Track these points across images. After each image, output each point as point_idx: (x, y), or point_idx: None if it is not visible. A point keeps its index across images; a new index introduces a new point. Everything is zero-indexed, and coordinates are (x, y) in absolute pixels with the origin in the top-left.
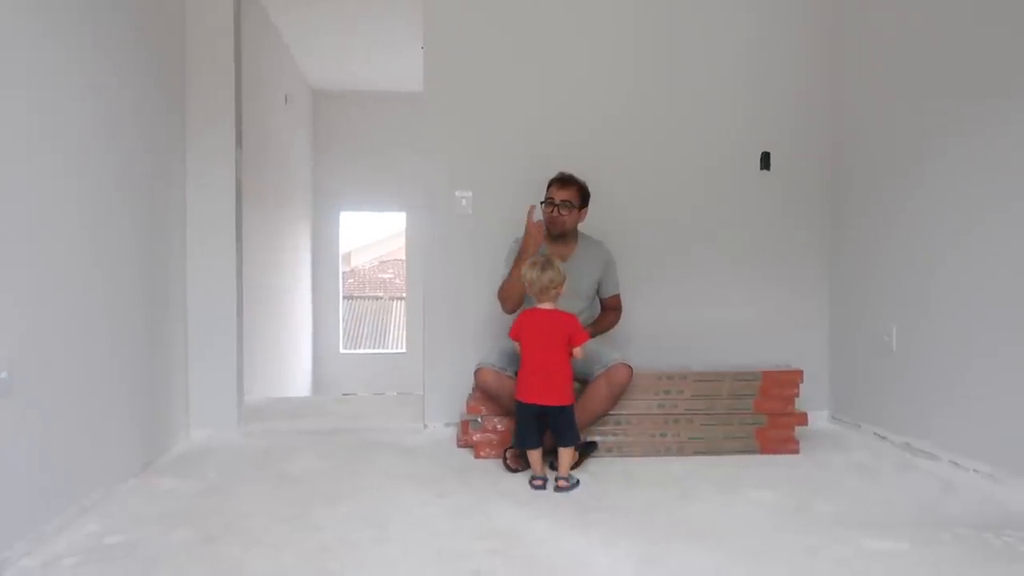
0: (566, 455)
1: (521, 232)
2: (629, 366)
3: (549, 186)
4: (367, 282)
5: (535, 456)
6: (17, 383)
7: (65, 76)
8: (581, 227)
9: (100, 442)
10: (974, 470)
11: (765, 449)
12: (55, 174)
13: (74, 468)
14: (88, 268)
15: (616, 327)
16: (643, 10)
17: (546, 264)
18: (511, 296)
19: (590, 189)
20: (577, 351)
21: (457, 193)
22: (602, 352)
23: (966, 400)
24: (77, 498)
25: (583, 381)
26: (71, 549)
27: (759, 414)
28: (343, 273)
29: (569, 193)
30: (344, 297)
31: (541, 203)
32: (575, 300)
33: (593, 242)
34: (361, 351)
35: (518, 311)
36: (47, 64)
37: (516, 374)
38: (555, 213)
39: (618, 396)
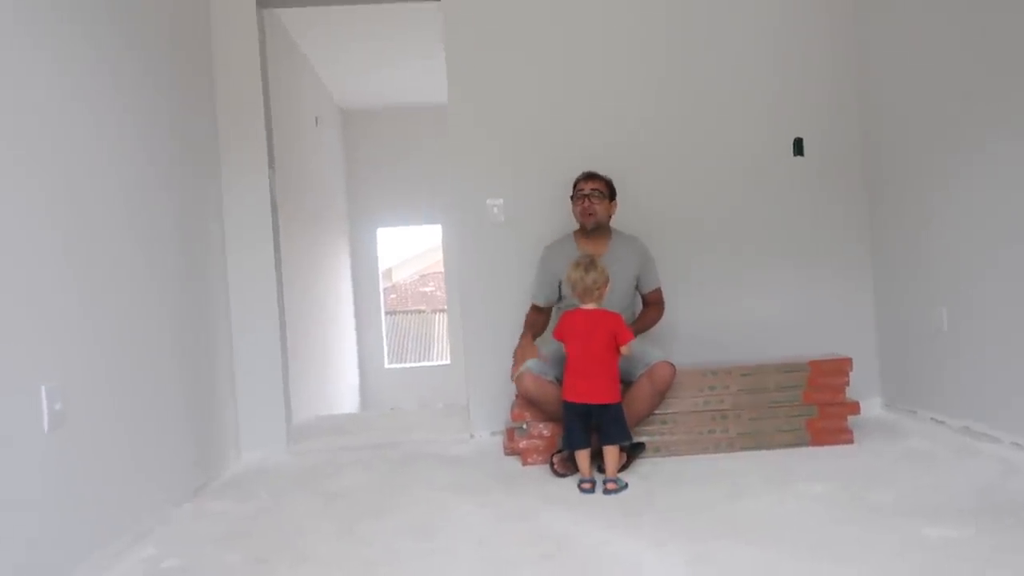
0: (612, 454)
1: (551, 238)
2: (672, 364)
3: (576, 184)
4: (409, 296)
5: (583, 457)
6: (71, 413)
7: (94, 112)
8: (614, 224)
9: (154, 468)
10: None
11: (817, 441)
12: (95, 204)
13: (130, 494)
14: (133, 297)
15: (659, 323)
16: (671, 7)
17: (589, 265)
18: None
19: (621, 188)
20: (624, 349)
21: (488, 201)
22: (644, 351)
23: None
24: (134, 523)
25: (626, 382)
26: (130, 574)
27: (809, 405)
28: (384, 289)
29: (597, 183)
30: (387, 312)
31: (571, 197)
32: (612, 298)
33: (627, 238)
34: (406, 365)
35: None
36: (85, 98)
37: (557, 378)
38: (586, 203)
39: (663, 395)
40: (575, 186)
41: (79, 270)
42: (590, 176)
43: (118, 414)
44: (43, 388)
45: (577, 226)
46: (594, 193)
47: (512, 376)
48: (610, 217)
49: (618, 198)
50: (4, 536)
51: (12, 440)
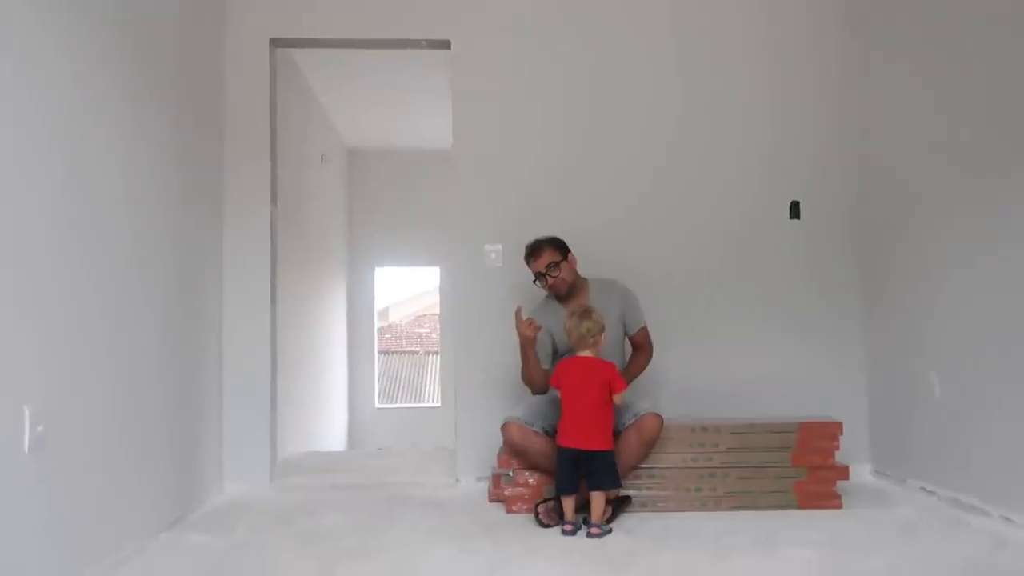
0: (599, 500)
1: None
2: (659, 416)
3: (527, 264)
4: (404, 337)
5: (568, 502)
6: (53, 436)
7: (103, 136)
8: (593, 270)
9: (132, 497)
10: None
11: (805, 504)
12: (90, 229)
13: (107, 522)
14: (122, 320)
15: (648, 367)
16: (669, 65)
17: (584, 314)
18: (531, 381)
19: (617, 242)
20: (616, 398)
21: (487, 246)
22: (632, 402)
23: (1018, 452)
24: (109, 552)
25: (613, 433)
26: None
27: (798, 467)
28: (379, 328)
29: (547, 256)
30: (381, 352)
31: (533, 282)
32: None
33: (605, 283)
34: (396, 405)
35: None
36: (92, 121)
37: (544, 428)
38: (549, 282)
39: (649, 447)
40: (528, 264)
41: (70, 293)
42: (536, 252)
43: (101, 439)
44: (26, 409)
45: None
46: (550, 268)
47: (516, 318)
48: (575, 271)
49: (572, 251)
50: None
51: None
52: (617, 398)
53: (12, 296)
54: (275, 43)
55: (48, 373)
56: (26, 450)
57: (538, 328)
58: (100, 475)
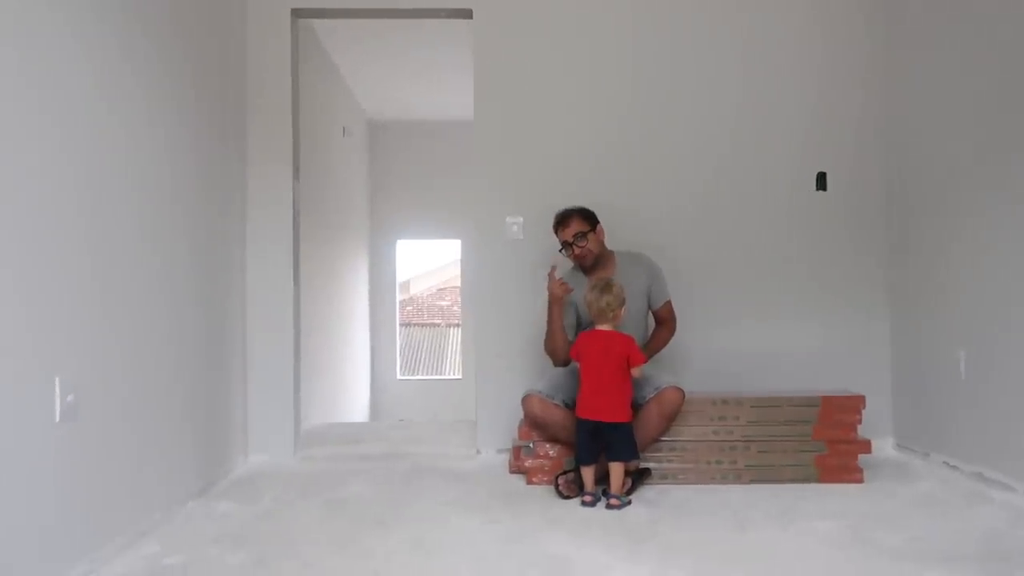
0: (618, 471)
1: (568, 261)
2: (681, 389)
3: (555, 233)
4: (425, 309)
5: (588, 472)
6: (82, 406)
7: (126, 113)
8: (616, 246)
9: (161, 465)
10: None
11: (826, 478)
12: (117, 203)
13: (136, 490)
14: (149, 295)
15: (671, 341)
16: (695, 35)
17: (605, 288)
18: (554, 351)
19: (641, 212)
20: (635, 371)
21: (508, 219)
22: (654, 375)
23: None
24: (139, 519)
25: (634, 405)
26: (130, 570)
27: (819, 441)
28: (401, 301)
29: (575, 226)
30: (402, 324)
31: (559, 251)
32: (627, 317)
33: (632, 255)
34: (418, 377)
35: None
36: (116, 96)
37: (564, 401)
38: (575, 251)
39: (670, 420)
40: (556, 234)
41: (99, 267)
42: (564, 221)
43: (129, 410)
44: (57, 379)
45: None
46: (577, 237)
47: (549, 278)
48: (602, 243)
49: (600, 220)
50: (10, 523)
51: (24, 429)
52: (635, 371)
53: (42, 270)
54: (296, 13)
55: (78, 345)
56: (57, 419)
57: (569, 290)
58: (128, 444)
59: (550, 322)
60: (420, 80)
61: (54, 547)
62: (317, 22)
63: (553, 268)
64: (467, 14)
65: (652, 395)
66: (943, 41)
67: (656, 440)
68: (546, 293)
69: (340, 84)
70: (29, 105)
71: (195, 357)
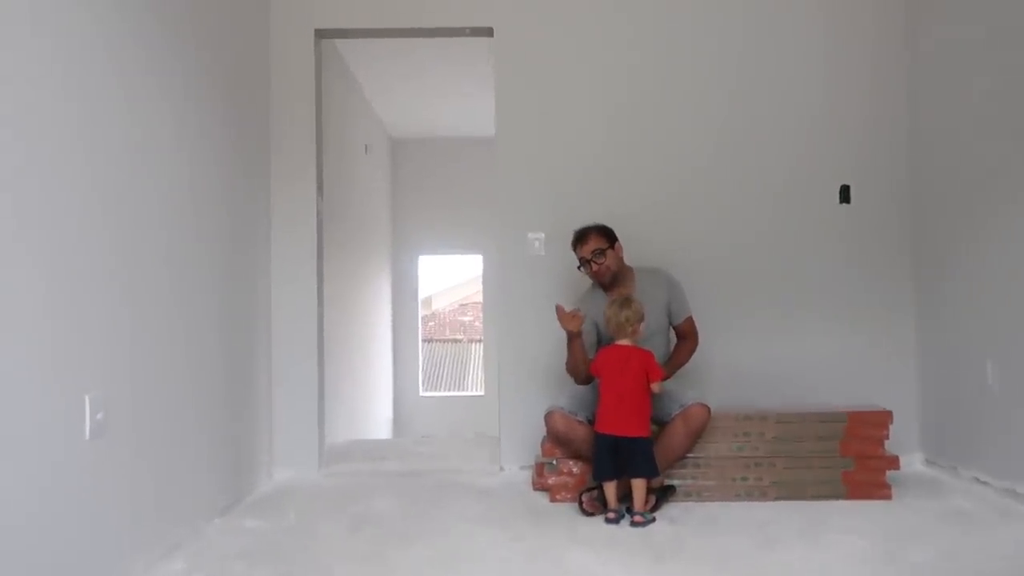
0: (640, 488)
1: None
2: (707, 406)
3: (574, 250)
4: (447, 325)
5: (610, 488)
6: (111, 423)
7: (154, 132)
8: (638, 261)
9: (188, 482)
10: None
11: (853, 494)
12: (144, 223)
13: (163, 507)
14: (175, 313)
15: (693, 356)
16: (716, 49)
17: (624, 303)
18: (575, 374)
19: (664, 226)
20: (655, 387)
21: (530, 235)
22: (679, 392)
23: None
24: (165, 536)
25: (660, 422)
26: None
27: (846, 457)
28: (423, 317)
29: (593, 242)
30: (424, 340)
31: (578, 268)
32: (648, 333)
33: (650, 271)
34: (440, 393)
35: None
36: (142, 112)
37: (587, 418)
38: (593, 268)
39: (696, 437)
40: (574, 251)
41: (127, 285)
42: (583, 239)
43: (156, 427)
44: (87, 397)
45: None
46: (596, 254)
47: (558, 314)
48: (620, 260)
49: (619, 238)
50: (40, 538)
51: (54, 446)
52: (655, 386)
53: (72, 290)
54: (320, 34)
55: (108, 364)
56: (87, 436)
57: (582, 319)
58: (156, 461)
59: (570, 351)
60: (441, 98)
61: (82, 564)
62: (340, 41)
63: (558, 306)
64: (488, 32)
65: (678, 412)
66: (968, 48)
67: (682, 457)
68: (557, 323)
69: (362, 101)
70: (67, 131)
71: (221, 375)
